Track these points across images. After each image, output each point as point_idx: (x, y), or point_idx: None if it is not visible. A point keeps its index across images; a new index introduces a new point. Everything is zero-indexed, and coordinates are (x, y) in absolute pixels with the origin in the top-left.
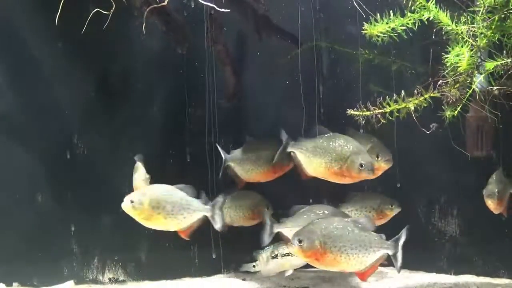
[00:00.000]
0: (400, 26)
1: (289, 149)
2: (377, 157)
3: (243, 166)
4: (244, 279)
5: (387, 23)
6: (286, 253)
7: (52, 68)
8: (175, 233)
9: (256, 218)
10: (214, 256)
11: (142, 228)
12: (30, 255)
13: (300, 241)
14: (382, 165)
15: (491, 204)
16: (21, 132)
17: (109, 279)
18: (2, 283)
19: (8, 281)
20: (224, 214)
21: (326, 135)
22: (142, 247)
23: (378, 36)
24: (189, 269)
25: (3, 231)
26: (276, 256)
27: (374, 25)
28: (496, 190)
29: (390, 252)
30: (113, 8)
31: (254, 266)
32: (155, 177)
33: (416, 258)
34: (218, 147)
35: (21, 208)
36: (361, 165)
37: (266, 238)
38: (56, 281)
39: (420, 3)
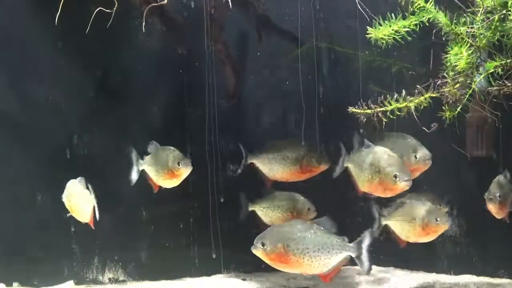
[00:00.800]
0: (403, 28)
1: (345, 164)
2: (415, 157)
3: (269, 166)
4: (244, 279)
5: (390, 26)
6: None
7: (52, 68)
8: (175, 233)
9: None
10: (214, 256)
11: (142, 228)
12: (30, 255)
13: (263, 245)
14: (422, 165)
15: (492, 208)
16: (21, 132)
17: (109, 279)
18: (2, 283)
19: (8, 281)
20: (263, 214)
21: (370, 148)
22: (142, 247)
23: (383, 39)
24: (189, 269)
25: (3, 231)
26: None
27: (378, 29)
28: (498, 194)
29: (353, 254)
30: (115, 7)
31: None
32: None
33: (416, 258)
34: (240, 145)
35: (21, 208)
36: (395, 176)
37: (376, 231)
38: (56, 281)
39: (419, 4)
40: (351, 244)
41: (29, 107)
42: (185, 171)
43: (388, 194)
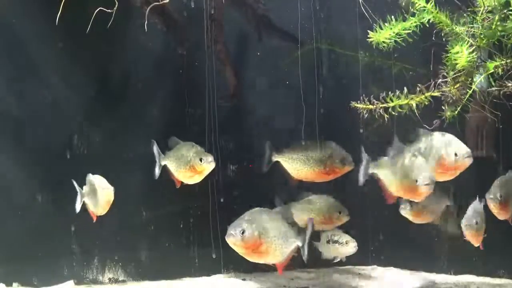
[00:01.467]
0: (404, 30)
1: (371, 171)
2: (456, 155)
3: (293, 165)
4: (244, 279)
5: (391, 29)
6: (335, 240)
7: (52, 68)
8: (175, 233)
9: (328, 222)
10: (214, 256)
11: (142, 228)
12: (30, 255)
13: (243, 232)
14: (462, 163)
15: (493, 208)
16: (21, 132)
17: (109, 279)
18: (2, 283)
19: (8, 281)
20: (298, 218)
21: (399, 150)
22: (142, 247)
23: (384, 42)
24: (189, 269)
25: (3, 231)
26: (329, 242)
27: (379, 32)
28: (499, 194)
29: (300, 244)
30: (116, 6)
31: (315, 247)
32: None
33: (416, 258)
34: (267, 144)
35: (21, 208)
36: (416, 181)
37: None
38: (56, 281)
39: (420, 4)
40: (299, 234)
41: (29, 107)
42: (207, 168)
43: (418, 199)
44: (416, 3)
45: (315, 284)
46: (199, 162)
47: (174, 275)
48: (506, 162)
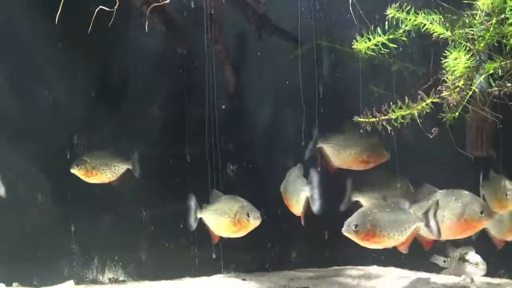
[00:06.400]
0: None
1: None
2: None
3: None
4: (244, 279)
5: (379, 36)
6: (466, 259)
7: (52, 68)
8: (175, 233)
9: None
10: (214, 256)
11: (142, 228)
12: (30, 255)
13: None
14: None
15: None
16: (21, 132)
17: (109, 279)
18: (2, 283)
19: (8, 281)
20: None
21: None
22: (142, 247)
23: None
24: (189, 269)
25: (3, 231)
26: (460, 259)
27: (365, 42)
28: (354, 224)
29: None
30: (117, 5)
31: (444, 261)
32: (155, 178)
33: (416, 258)
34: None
35: (21, 208)
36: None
37: None
38: (56, 281)
39: (410, 19)
40: None
41: (29, 107)
42: (254, 224)
43: None
44: (408, 19)
45: (315, 284)
46: (246, 217)
47: (174, 275)
48: (506, 162)
